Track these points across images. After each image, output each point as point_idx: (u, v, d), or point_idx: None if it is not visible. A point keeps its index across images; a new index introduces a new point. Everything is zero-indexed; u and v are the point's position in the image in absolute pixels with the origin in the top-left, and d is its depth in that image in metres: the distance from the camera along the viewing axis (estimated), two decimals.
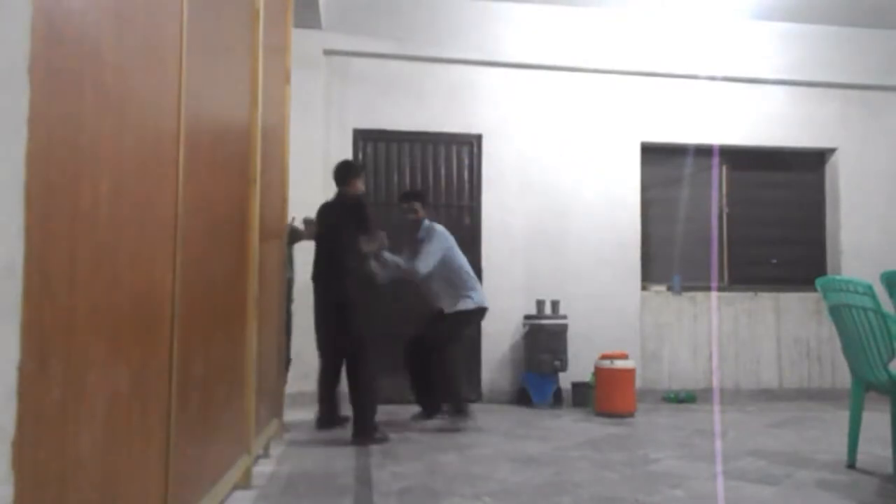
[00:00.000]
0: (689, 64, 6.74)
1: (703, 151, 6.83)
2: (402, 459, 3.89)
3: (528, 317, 6.18)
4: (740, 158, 7.00)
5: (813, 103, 7.01)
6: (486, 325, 5.86)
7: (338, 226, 4.52)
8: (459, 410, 4.86)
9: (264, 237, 3.53)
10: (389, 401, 5.95)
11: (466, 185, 6.46)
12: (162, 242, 1.94)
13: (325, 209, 4.78)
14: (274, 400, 4.19)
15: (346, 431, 4.45)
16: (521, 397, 6.12)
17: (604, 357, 5.69)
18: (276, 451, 4.03)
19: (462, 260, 5.10)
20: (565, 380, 6.07)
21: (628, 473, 3.60)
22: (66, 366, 1.36)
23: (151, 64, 1.84)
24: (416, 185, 6.32)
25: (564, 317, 6.08)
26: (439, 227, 5.11)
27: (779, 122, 6.93)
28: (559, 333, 5.99)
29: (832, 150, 7.09)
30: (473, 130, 6.43)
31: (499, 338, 6.29)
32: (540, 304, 6.18)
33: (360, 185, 4.75)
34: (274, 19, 3.82)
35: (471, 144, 6.45)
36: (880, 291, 3.75)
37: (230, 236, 2.87)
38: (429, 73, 6.43)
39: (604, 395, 5.56)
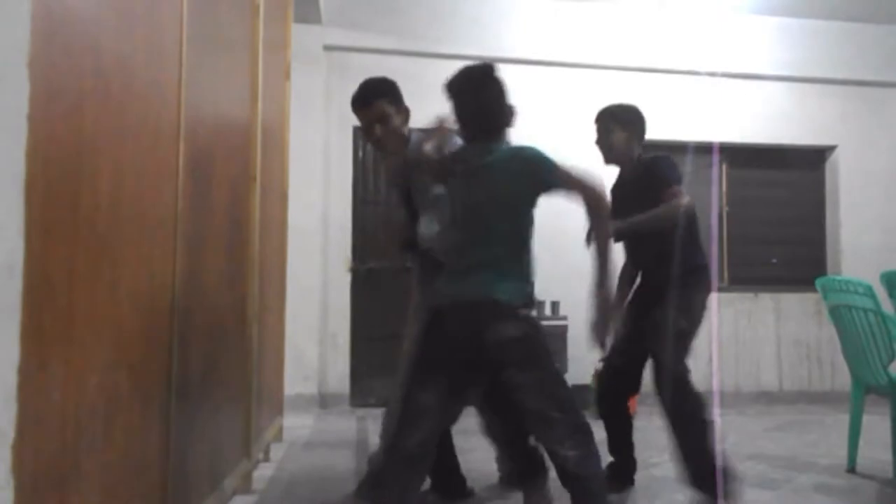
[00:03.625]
0: (689, 60, 6.71)
1: (703, 149, 6.80)
2: None
3: None
4: (740, 156, 6.98)
5: (813, 100, 6.98)
6: None
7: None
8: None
9: (265, 235, 3.51)
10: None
11: None
12: (162, 241, 1.92)
13: None
14: (274, 402, 4.16)
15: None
16: None
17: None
18: (276, 454, 4.00)
19: None
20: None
21: None
22: (65, 367, 1.34)
23: (152, 60, 1.82)
24: None
25: (564, 318, 6.06)
26: None
27: (778, 119, 6.90)
28: (559, 335, 5.96)
29: (832, 148, 7.07)
30: None
31: None
32: (539, 304, 6.16)
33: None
34: (274, 14, 3.80)
35: None
36: (880, 292, 3.74)
37: (231, 234, 2.85)
38: (429, 70, 6.36)
39: None
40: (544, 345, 2.35)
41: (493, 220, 2.37)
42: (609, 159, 3.35)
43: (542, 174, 2.41)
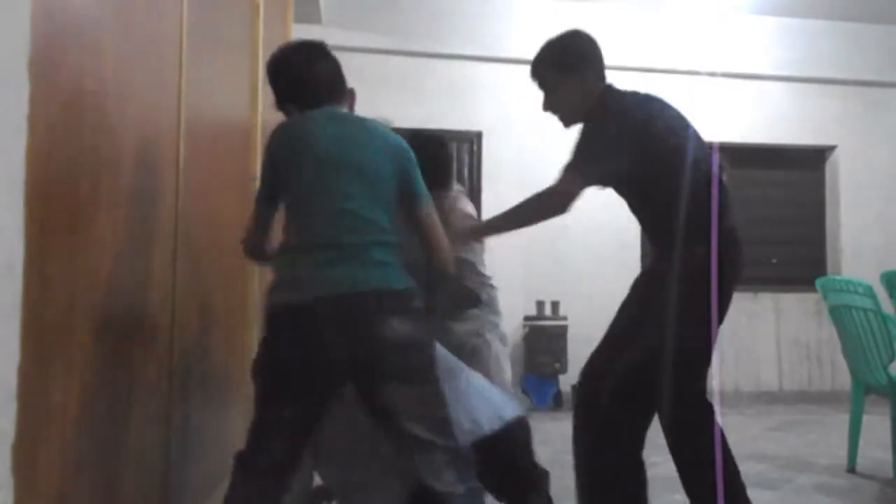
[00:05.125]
0: (689, 60, 6.70)
1: None
2: None
3: (527, 318, 6.15)
4: (740, 156, 6.97)
5: (812, 100, 6.97)
6: None
7: None
8: None
9: None
10: None
11: (466, 183, 6.42)
12: (162, 241, 1.92)
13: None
14: None
15: None
16: (521, 400, 6.11)
17: None
18: None
19: None
20: (565, 382, 6.03)
21: None
22: (65, 367, 1.34)
23: (151, 60, 1.82)
24: None
25: (564, 318, 6.05)
26: None
27: (778, 119, 6.89)
28: (559, 335, 5.96)
29: (832, 148, 7.07)
30: (473, 127, 6.40)
31: None
32: (540, 304, 6.16)
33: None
34: (274, 14, 3.80)
35: (471, 142, 6.42)
36: (880, 292, 3.74)
37: (231, 235, 2.84)
38: (429, 69, 6.40)
39: None
40: (432, 351, 1.88)
41: (370, 180, 1.85)
42: (569, 121, 2.61)
43: (409, 181, 1.97)
